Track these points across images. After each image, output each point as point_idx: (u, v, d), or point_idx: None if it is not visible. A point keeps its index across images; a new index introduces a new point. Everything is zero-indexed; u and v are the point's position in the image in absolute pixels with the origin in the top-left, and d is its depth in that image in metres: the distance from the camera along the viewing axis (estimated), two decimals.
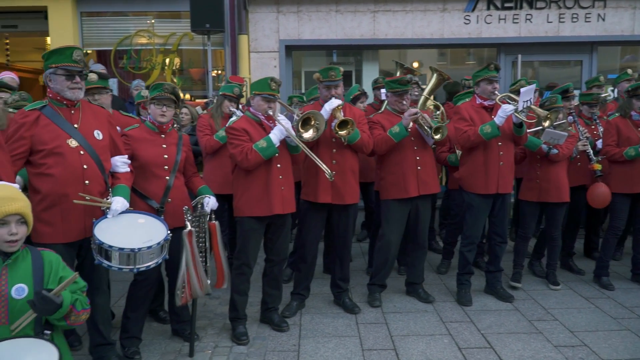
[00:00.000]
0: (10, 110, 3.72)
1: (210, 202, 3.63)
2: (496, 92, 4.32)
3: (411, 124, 4.17)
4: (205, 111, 5.48)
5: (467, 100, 4.78)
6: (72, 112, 3.10)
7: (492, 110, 4.36)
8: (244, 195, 3.73)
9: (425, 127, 4.25)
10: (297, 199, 4.09)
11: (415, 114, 4.15)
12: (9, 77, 5.07)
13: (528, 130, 4.43)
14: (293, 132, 3.65)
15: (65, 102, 3.07)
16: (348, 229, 4.28)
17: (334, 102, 3.95)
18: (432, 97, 5.17)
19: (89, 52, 7.52)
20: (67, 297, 2.13)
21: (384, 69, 7.76)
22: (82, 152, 3.04)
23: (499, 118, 4.17)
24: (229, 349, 3.72)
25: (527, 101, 4.13)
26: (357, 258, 5.86)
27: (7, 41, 9.47)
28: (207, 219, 3.60)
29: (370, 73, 7.51)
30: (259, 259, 4.07)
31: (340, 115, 3.95)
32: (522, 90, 4.17)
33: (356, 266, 5.57)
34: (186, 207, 3.45)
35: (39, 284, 2.17)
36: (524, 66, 7.52)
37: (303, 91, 7.51)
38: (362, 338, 3.87)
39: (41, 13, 7.18)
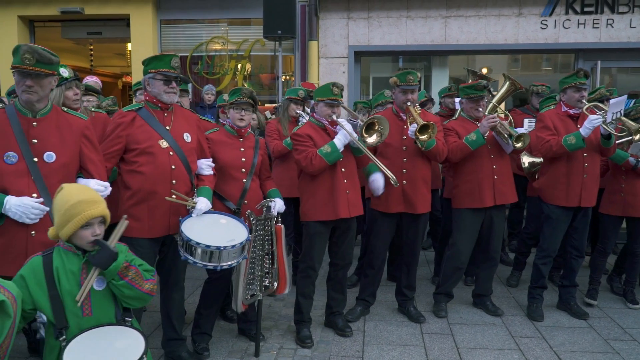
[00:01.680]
0: (92, 109, 3.97)
1: (277, 205, 3.67)
2: (584, 101, 4.12)
3: (488, 131, 4.08)
4: (273, 116, 5.59)
5: (551, 107, 4.59)
6: (165, 114, 3.26)
7: (577, 119, 4.16)
8: (310, 200, 3.77)
9: (505, 135, 4.13)
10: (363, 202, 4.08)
11: (494, 121, 4.05)
12: (93, 80, 5.43)
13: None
14: (356, 136, 3.63)
15: (160, 105, 3.23)
16: (417, 237, 4.23)
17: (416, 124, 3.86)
18: (501, 105, 5.01)
19: None
20: (122, 249, 2.23)
21: (454, 75, 7.62)
22: (171, 153, 3.18)
23: (584, 129, 3.97)
24: (294, 351, 3.77)
25: (616, 112, 3.93)
26: (421, 267, 5.77)
27: (92, 47, 10.11)
28: (274, 221, 3.66)
29: (439, 79, 7.40)
30: (323, 263, 4.11)
31: (420, 120, 3.89)
32: (612, 101, 3.97)
33: (421, 275, 5.48)
34: (249, 210, 3.50)
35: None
36: (602, 73, 7.16)
37: (370, 97, 7.51)
38: (427, 348, 3.81)
39: (124, 21, 7.62)
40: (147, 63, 3.21)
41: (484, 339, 3.97)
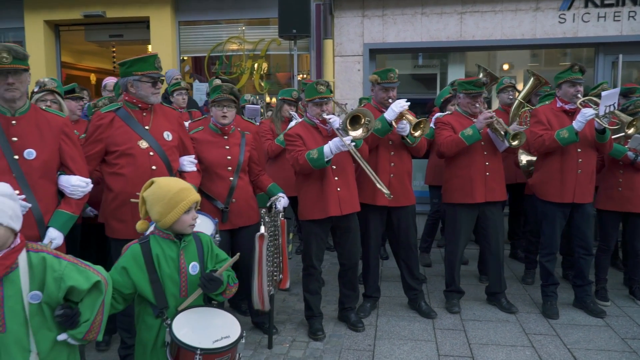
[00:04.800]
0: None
1: (283, 201, 3.74)
2: (579, 96, 4.09)
3: (484, 127, 4.07)
4: (267, 116, 5.66)
5: (547, 103, 4.56)
6: (144, 114, 3.25)
7: (573, 114, 4.13)
8: (304, 199, 3.83)
9: (501, 132, 4.11)
10: None
11: (491, 117, 4.04)
12: (112, 81, 5.58)
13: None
14: (349, 141, 3.56)
15: (140, 105, 3.22)
16: (409, 231, 4.23)
17: (404, 103, 3.87)
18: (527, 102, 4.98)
19: (185, 58, 8.02)
20: (224, 276, 2.41)
21: (471, 72, 7.56)
22: (151, 153, 3.18)
23: (577, 123, 3.95)
24: (306, 344, 3.83)
25: (609, 106, 3.86)
26: (437, 263, 5.78)
27: (114, 49, 10.33)
28: (280, 216, 3.72)
29: (455, 76, 7.32)
30: (336, 258, 4.16)
31: (411, 117, 3.92)
32: (603, 93, 3.90)
33: (436, 272, 5.49)
34: (263, 210, 3.56)
35: (202, 262, 2.45)
36: (629, 67, 6.99)
37: None
38: (439, 343, 3.82)
39: (144, 23, 7.76)
40: (130, 65, 3.16)
41: (496, 335, 3.96)
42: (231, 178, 3.69)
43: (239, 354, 2.35)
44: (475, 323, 4.17)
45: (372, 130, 3.68)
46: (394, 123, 3.93)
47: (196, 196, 2.40)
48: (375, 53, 7.26)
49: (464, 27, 6.95)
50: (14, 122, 2.72)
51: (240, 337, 2.27)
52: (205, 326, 2.29)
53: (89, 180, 2.92)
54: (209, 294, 2.40)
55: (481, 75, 4.81)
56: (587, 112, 3.92)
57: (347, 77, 7.10)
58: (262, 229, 3.48)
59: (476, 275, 5.27)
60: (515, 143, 4.05)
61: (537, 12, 6.85)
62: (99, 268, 2.14)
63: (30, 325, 1.95)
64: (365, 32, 7.11)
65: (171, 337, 2.20)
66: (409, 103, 3.93)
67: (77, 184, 2.83)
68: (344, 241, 3.93)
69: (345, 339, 3.90)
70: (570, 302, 4.54)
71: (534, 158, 4.79)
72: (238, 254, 2.47)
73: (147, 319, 2.38)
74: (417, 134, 3.91)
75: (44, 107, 3.00)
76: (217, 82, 4.18)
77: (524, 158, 4.86)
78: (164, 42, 7.53)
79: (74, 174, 2.86)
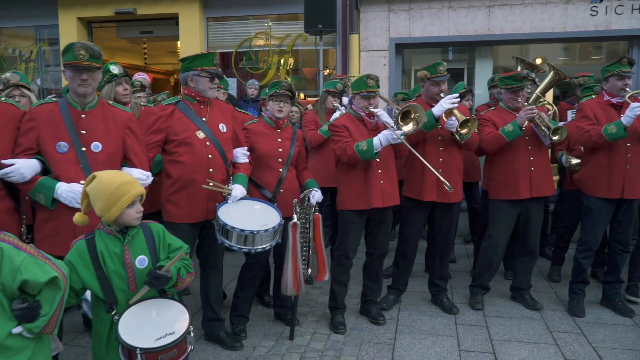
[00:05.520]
0: (142, 104, 4.18)
1: (316, 195, 3.80)
2: (627, 89, 3.98)
3: (526, 122, 4.01)
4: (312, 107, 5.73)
5: (592, 96, 4.45)
6: (202, 107, 3.44)
7: (621, 108, 4.02)
8: (345, 190, 3.86)
9: (542, 127, 4.05)
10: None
11: (532, 112, 3.97)
12: (142, 77, 5.70)
13: None
14: (400, 133, 3.59)
15: (198, 98, 3.41)
16: (451, 227, 4.23)
17: (454, 99, 3.82)
18: (545, 96, 4.88)
19: None
20: (173, 270, 2.34)
21: (499, 66, 7.45)
22: (208, 143, 3.37)
23: (626, 118, 3.84)
24: (327, 336, 3.87)
25: None
26: (461, 259, 5.74)
27: (145, 46, 10.54)
28: (312, 210, 3.79)
29: (483, 70, 7.25)
30: (360, 253, 4.18)
31: (460, 114, 3.89)
32: None
33: (460, 267, 5.46)
34: (295, 200, 3.65)
35: (153, 253, 2.39)
36: None
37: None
38: (460, 339, 3.81)
39: (173, 19, 7.91)
40: (191, 61, 3.36)
41: (519, 332, 3.92)
42: (281, 169, 3.82)
43: (190, 347, 2.29)
44: (498, 319, 4.15)
45: (422, 124, 3.69)
46: (444, 117, 3.90)
47: (139, 189, 2.34)
48: (401, 48, 7.22)
49: (492, 20, 6.85)
50: (83, 115, 2.90)
51: (187, 332, 2.23)
52: (152, 321, 2.26)
53: (149, 173, 3.08)
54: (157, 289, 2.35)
55: (519, 68, 4.71)
56: (636, 107, 3.81)
57: (373, 72, 7.05)
58: (295, 218, 3.59)
59: (501, 272, 5.21)
60: (555, 138, 3.98)
61: (568, 5, 6.70)
62: (59, 262, 2.11)
63: None
64: (391, 26, 7.08)
65: (116, 335, 2.20)
66: (459, 99, 3.88)
67: (137, 177, 2.95)
68: (377, 232, 3.96)
69: (366, 332, 3.92)
70: (597, 300, 4.46)
71: (580, 160, 4.67)
72: (183, 250, 2.43)
73: (100, 313, 2.36)
74: (463, 131, 3.88)
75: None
76: None
77: (574, 162, 4.75)
78: (193, 38, 7.66)
79: (136, 167, 3.02)
